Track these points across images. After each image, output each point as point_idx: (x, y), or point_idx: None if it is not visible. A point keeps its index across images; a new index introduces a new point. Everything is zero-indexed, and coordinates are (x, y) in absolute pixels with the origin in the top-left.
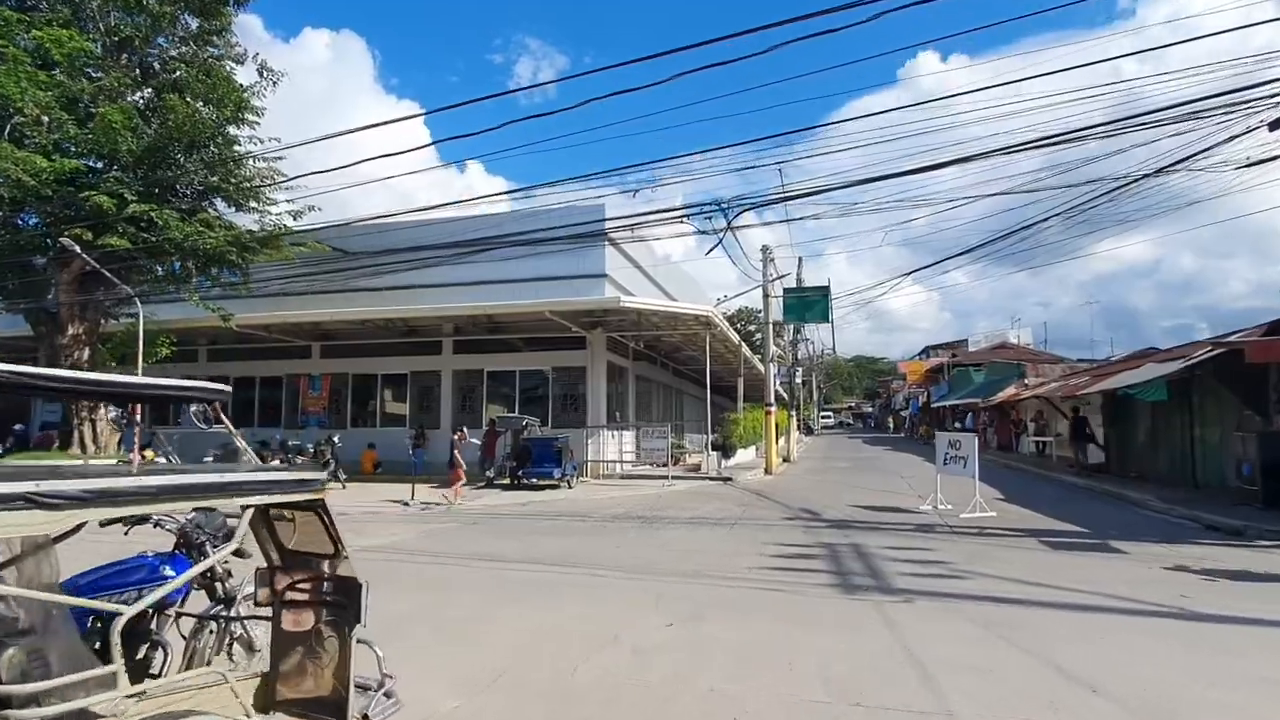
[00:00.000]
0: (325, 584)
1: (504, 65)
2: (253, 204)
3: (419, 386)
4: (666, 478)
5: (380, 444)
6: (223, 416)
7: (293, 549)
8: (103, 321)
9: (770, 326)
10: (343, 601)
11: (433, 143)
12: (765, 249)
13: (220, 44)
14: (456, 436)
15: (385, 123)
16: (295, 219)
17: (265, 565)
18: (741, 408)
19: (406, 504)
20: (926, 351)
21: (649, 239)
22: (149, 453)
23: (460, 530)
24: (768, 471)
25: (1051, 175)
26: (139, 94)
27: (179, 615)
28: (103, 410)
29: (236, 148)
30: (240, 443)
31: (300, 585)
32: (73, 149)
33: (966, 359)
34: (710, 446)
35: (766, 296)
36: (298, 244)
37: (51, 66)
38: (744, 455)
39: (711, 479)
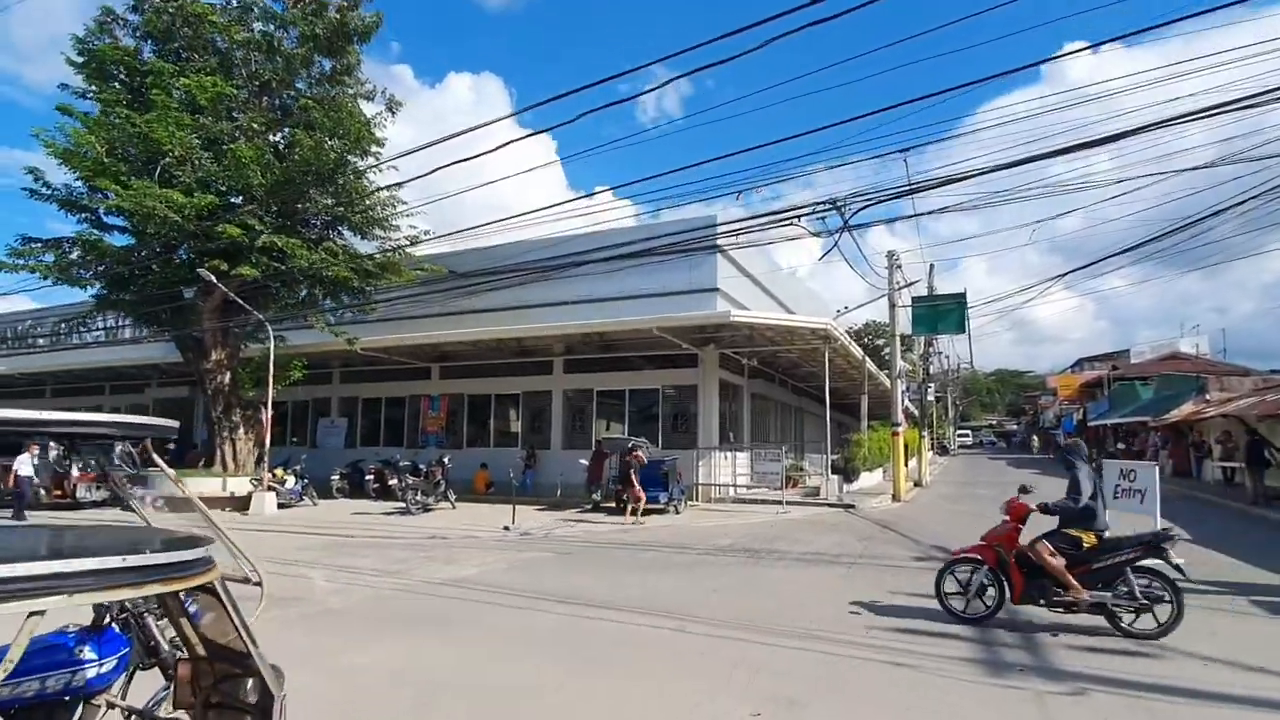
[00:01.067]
0: (246, 687)
1: (629, 93)
2: (377, 231)
3: (531, 407)
4: (781, 503)
5: (493, 464)
6: (156, 458)
7: (211, 638)
8: (243, 347)
9: (898, 339)
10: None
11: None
12: (891, 254)
13: (351, 82)
14: (632, 456)
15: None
16: (413, 244)
17: (186, 655)
18: (866, 427)
19: (507, 529)
20: (1080, 364)
21: (762, 244)
22: (280, 471)
23: (552, 561)
24: (895, 498)
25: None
26: (277, 134)
27: (110, 706)
28: (241, 430)
29: (365, 178)
30: (180, 489)
31: (224, 686)
32: (212, 186)
33: (1130, 371)
34: (830, 469)
35: (893, 306)
36: (417, 268)
37: (199, 111)
38: (869, 479)
39: (831, 505)
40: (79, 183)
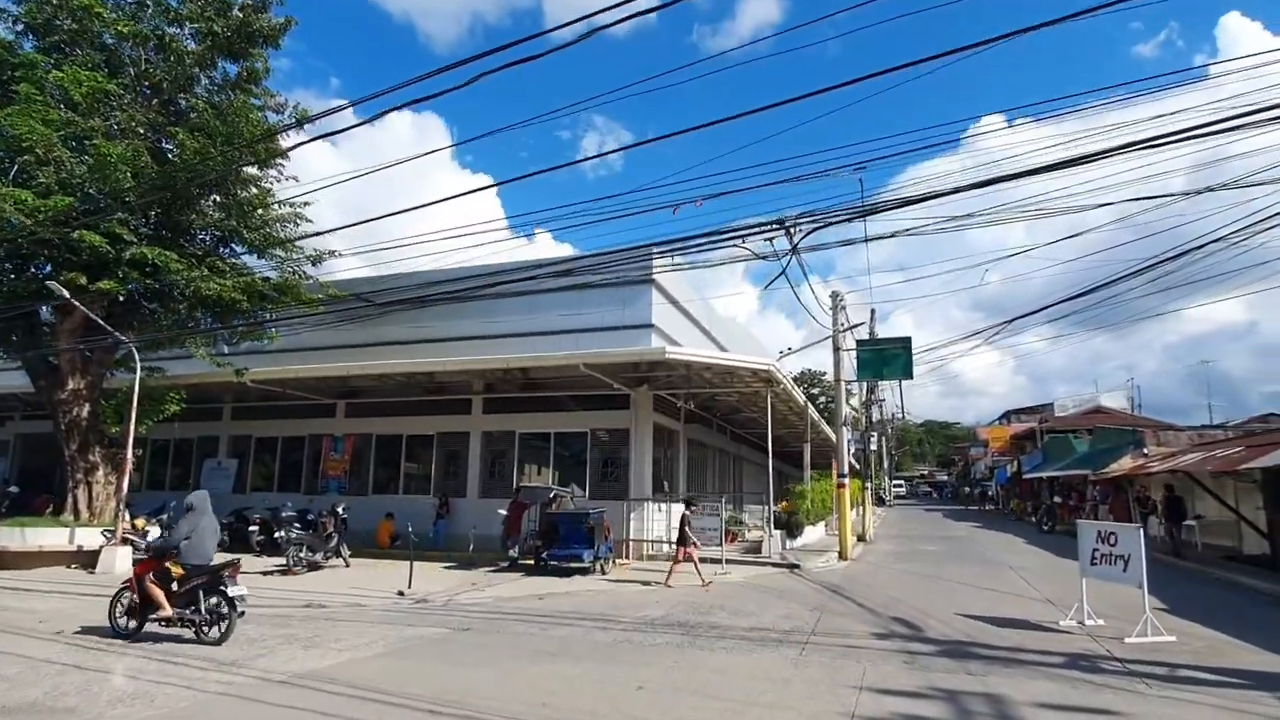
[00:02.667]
0: None
1: (571, 140)
2: (277, 251)
3: (446, 450)
4: (721, 562)
5: (401, 513)
6: None
7: None
8: (108, 375)
9: (842, 384)
10: None
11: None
12: (835, 295)
13: (258, 92)
14: (689, 512)
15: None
16: (315, 265)
17: None
18: (809, 476)
19: (401, 594)
20: (1008, 416)
21: (702, 265)
22: (141, 521)
23: (441, 643)
24: (842, 556)
25: (1131, 236)
26: (165, 140)
27: None
28: (100, 472)
29: (259, 188)
30: None
31: None
32: (78, 189)
33: (1060, 425)
34: (773, 524)
35: (837, 350)
36: (321, 292)
37: (74, 107)
38: (812, 533)
39: (775, 565)
40: None
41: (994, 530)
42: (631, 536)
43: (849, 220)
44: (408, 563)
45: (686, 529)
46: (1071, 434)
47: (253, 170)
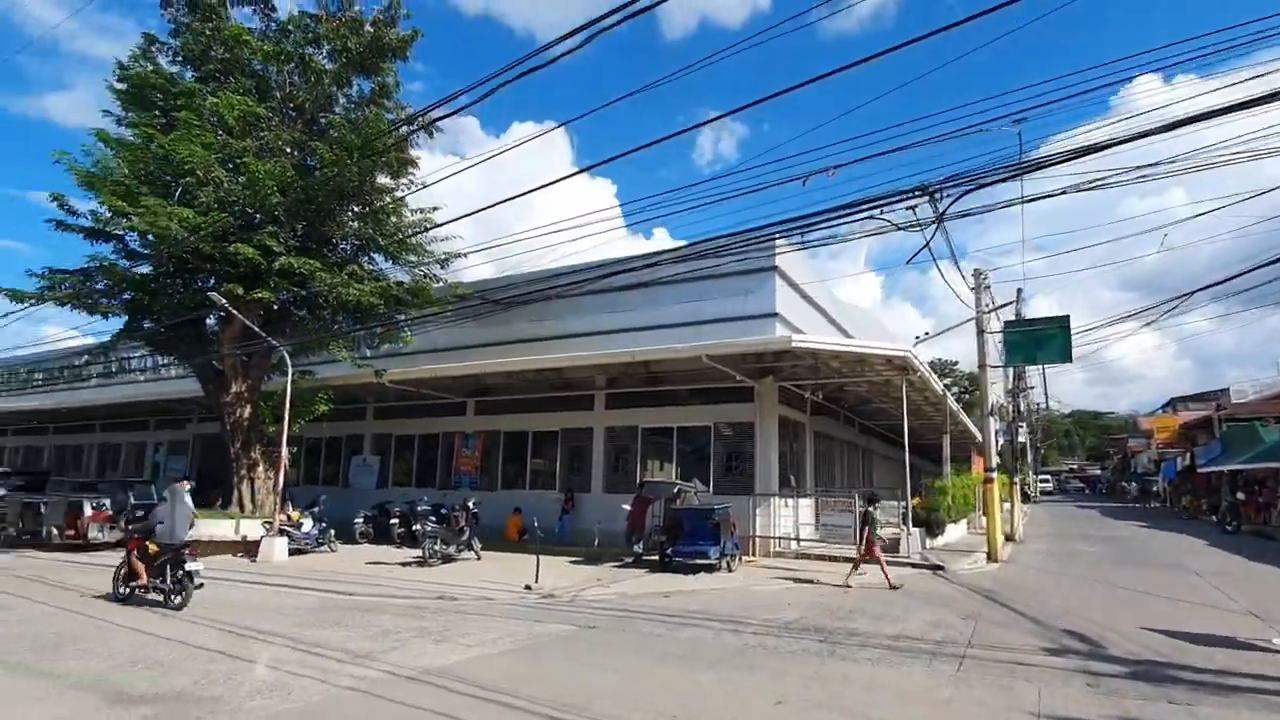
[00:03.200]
0: None
1: (687, 139)
2: (410, 257)
3: (570, 445)
4: (855, 564)
5: (528, 507)
6: None
7: None
8: (265, 379)
9: (987, 370)
10: None
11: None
12: (979, 274)
13: (390, 106)
14: (873, 509)
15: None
16: (444, 266)
17: None
18: (948, 472)
19: (529, 588)
20: (1173, 404)
21: (834, 241)
22: (295, 513)
23: (566, 642)
24: (991, 558)
25: None
26: (306, 155)
27: None
28: (260, 469)
29: (393, 196)
30: None
31: None
32: (232, 207)
33: (1242, 411)
34: (910, 521)
35: (981, 333)
36: (450, 293)
37: (229, 131)
38: (953, 531)
39: (915, 566)
40: (103, 208)
41: (1164, 530)
42: (758, 533)
43: (1004, 180)
44: (534, 556)
45: (870, 527)
46: (1257, 421)
47: (386, 180)
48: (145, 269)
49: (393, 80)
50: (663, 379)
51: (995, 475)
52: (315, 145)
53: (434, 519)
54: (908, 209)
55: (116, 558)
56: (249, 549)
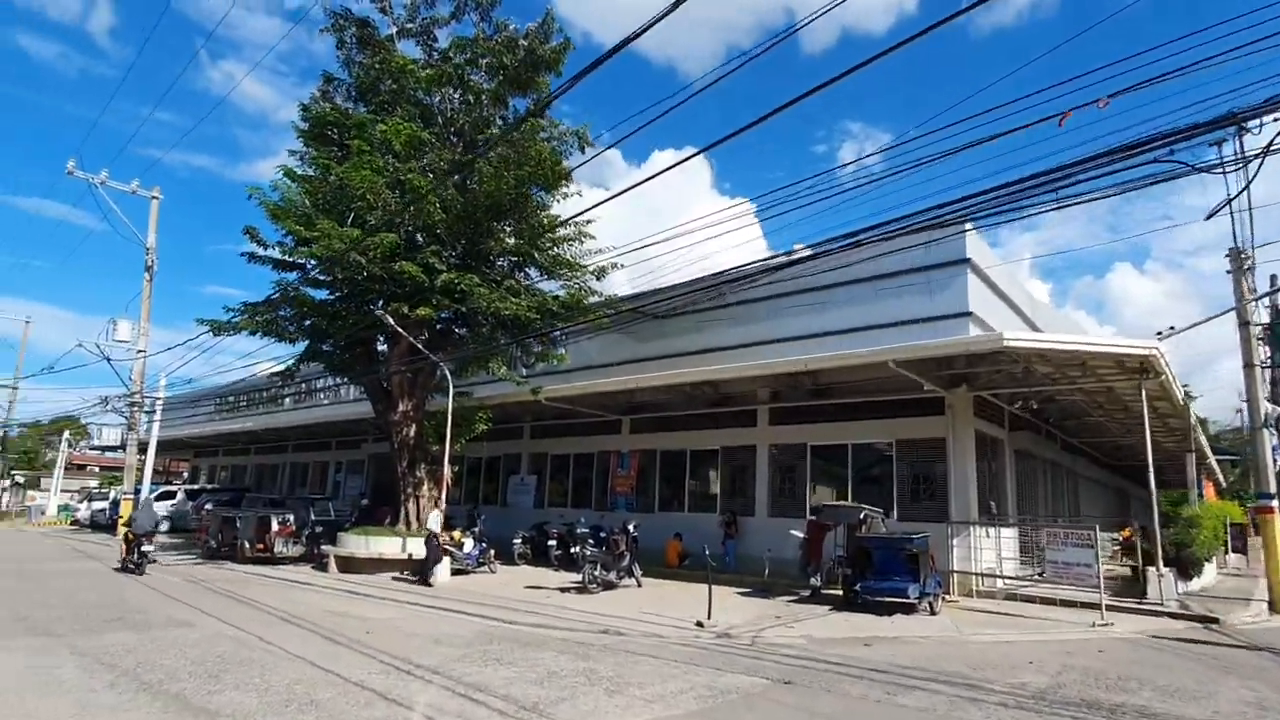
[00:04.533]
0: None
1: (827, 154)
2: (564, 272)
3: (731, 465)
4: (1099, 609)
5: (687, 532)
6: None
7: None
8: (429, 398)
9: (1255, 371)
10: None
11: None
12: (1236, 253)
13: (544, 124)
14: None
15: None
16: (599, 279)
17: None
18: (1196, 498)
19: (701, 625)
20: None
21: (1095, 197)
22: (457, 533)
23: (761, 703)
24: (1275, 608)
25: None
26: (469, 177)
27: None
28: (425, 487)
29: (548, 210)
30: None
31: None
32: (397, 227)
33: None
34: (1161, 560)
35: (1245, 324)
36: (605, 306)
37: (396, 156)
38: (1208, 573)
39: (1175, 616)
40: (288, 238)
41: None
42: (955, 568)
43: None
44: (698, 585)
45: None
46: None
47: (541, 195)
48: (324, 294)
49: (546, 94)
50: (832, 391)
51: (1277, 504)
52: (475, 160)
53: (592, 542)
54: (1211, 145)
55: (299, 572)
56: (415, 568)
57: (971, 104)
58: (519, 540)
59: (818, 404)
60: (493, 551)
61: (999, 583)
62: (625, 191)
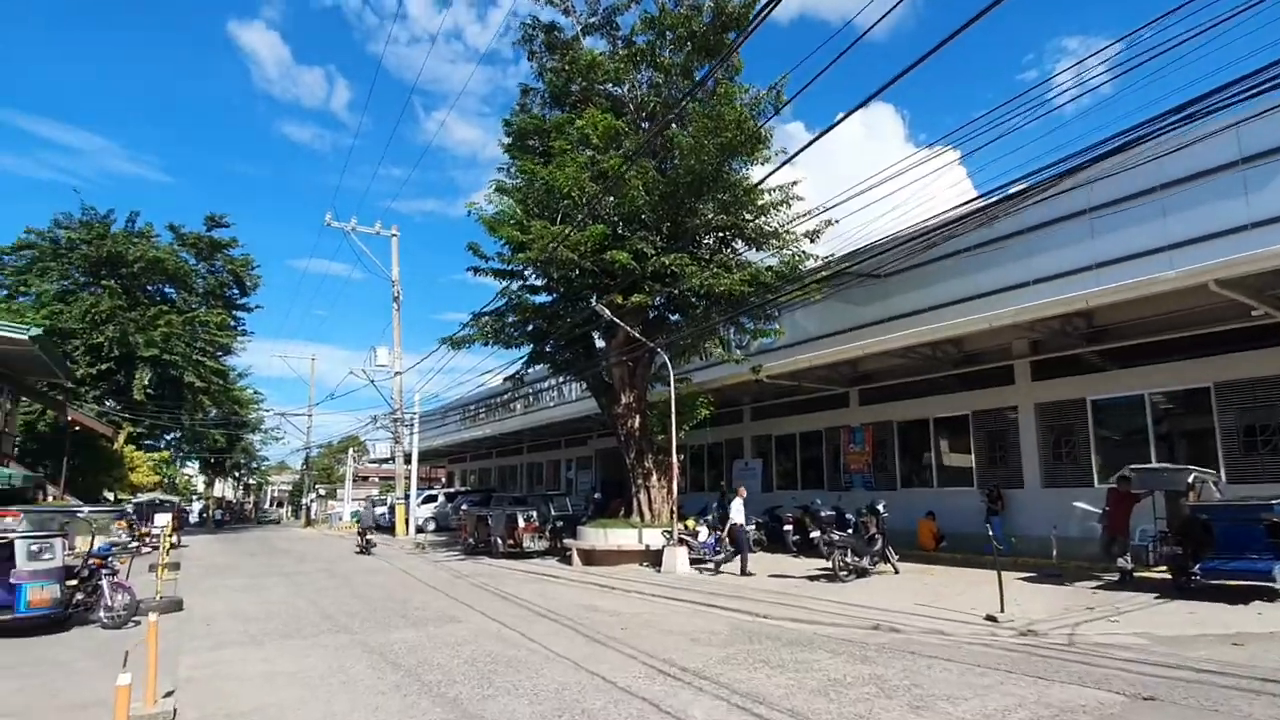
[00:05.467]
0: None
1: (1038, 79)
2: (772, 243)
3: (985, 431)
4: None
5: (940, 509)
6: None
7: None
8: (649, 389)
9: None
10: None
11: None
12: None
13: (737, 90)
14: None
15: None
16: (813, 240)
17: None
18: None
19: (992, 619)
20: None
21: None
22: (691, 522)
23: None
24: None
25: None
26: (666, 161)
27: None
28: (655, 477)
29: (750, 175)
30: None
31: None
32: (603, 218)
33: None
34: None
35: None
36: (825, 272)
37: (594, 148)
38: None
39: None
40: (505, 247)
41: None
42: None
43: None
44: (963, 570)
45: None
46: None
47: (741, 166)
48: (544, 299)
49: (736, 58)
50: (1114, 333)
51: None
52: (676, 135)
53: (835, 525)
54: None
55: (546, 565)
56: (652, 558)
57: None
58: (751, 526)
59: (1094, 350)
60: (726, 540)
61: None
62: (825, 133)
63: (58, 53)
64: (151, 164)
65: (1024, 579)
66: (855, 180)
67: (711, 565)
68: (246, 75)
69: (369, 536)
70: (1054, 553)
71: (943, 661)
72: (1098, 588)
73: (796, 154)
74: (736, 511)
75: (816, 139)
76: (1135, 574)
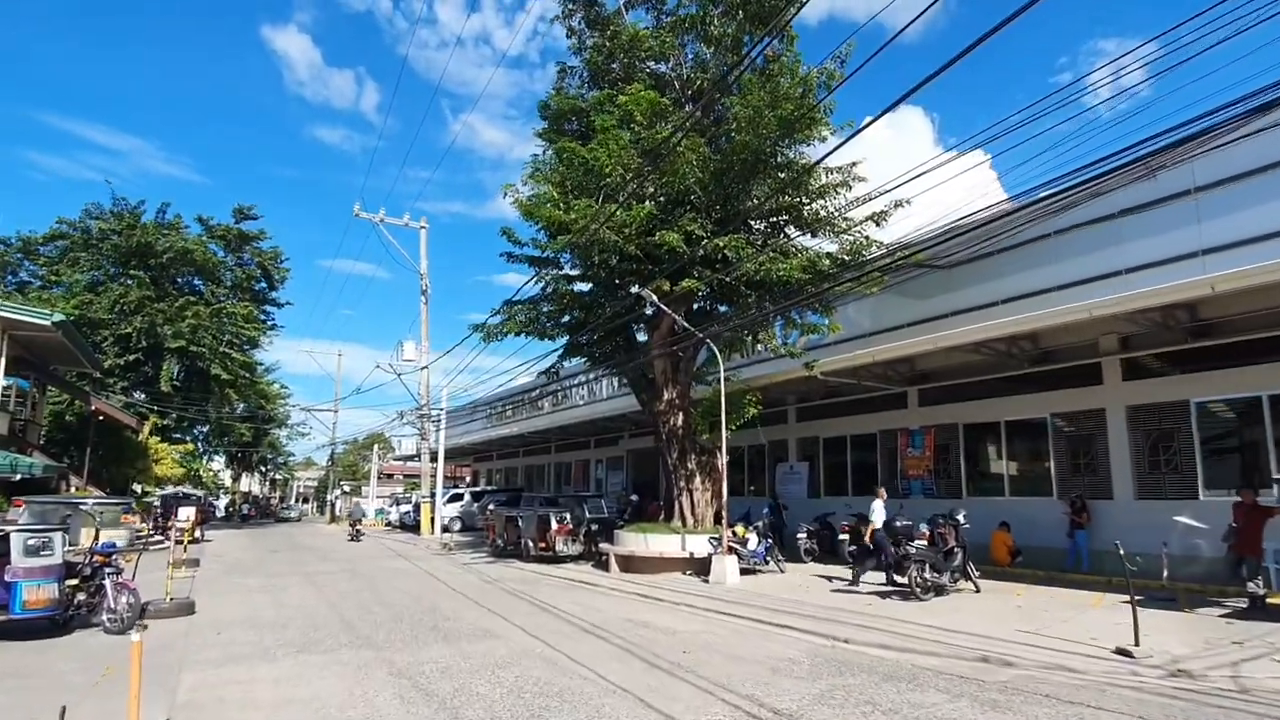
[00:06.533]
0: None
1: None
2: (830, 224)
3: (1066, 435)
4: None
5: (1015, 520)
6: None
7: None
8: (693, 386)
9: None
10: None
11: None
12: None
13: (789, 61)
14: None
15: None
16: (878, 224)
17: None
18: None
19: (1126, 654)
20: None
21: None
22: (741, 529)
23: None
24: None
25: None
26: (713, 142)
27: None
28: (698, 479)
29: (810, 151)
30: None
31: None
32: (650, 197)
33: None
34: None
35: None
36: (892, 261)
37: (639, 126)
38: None
39: None
40: (541, 233)
41: None
42: None
43: None
44: (1046, 588)
45: None
46: None
47: (797, 146)
48: (582, 287)
49: (790, 29)
50: (1222, 328)
51: None
52: (731, 102)
53: (906, 537)
54: None
55: (581, 571)
56: (697, 567)
57: None
58: (803, 535)
59: (1199, 346)
60: (778, 549)
61: None
62: (895, 105)
63: (96, 54)
64: (187, 165)
65: (1133, 602)
66: (888, 178)
67: (849, 576)
68: (279, 78)
69: (358, 527)
70: (1164, 573)
71: (1093, 710)
72: (1227, 615)
73: (863, 128)
74: (878, 513)
75: (886, 111)
76: (1268, 600)
